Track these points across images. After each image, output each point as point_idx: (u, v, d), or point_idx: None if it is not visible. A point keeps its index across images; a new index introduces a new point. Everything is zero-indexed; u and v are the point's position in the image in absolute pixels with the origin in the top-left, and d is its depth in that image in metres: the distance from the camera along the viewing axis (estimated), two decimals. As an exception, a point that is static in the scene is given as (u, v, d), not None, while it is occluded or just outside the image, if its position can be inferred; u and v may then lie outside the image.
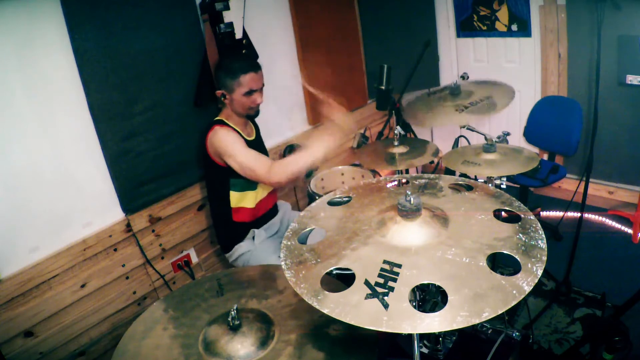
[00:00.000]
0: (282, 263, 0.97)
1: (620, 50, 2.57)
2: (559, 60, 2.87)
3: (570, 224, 2.72)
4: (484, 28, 3.12)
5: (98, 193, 1.88)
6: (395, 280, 0.85)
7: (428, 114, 2.06)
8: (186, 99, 2.06)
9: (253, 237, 2.00)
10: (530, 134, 2.94)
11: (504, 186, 1.65)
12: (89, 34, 1.70)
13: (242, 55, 2.12)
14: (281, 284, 1.19)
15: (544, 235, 0.94)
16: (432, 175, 1.26)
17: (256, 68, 1.87)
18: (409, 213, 0.98)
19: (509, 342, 1.49)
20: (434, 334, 1.44)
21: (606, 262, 2.48)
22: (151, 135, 1.96)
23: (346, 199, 1.20)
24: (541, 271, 0.84)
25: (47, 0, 1.61)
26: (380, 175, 2.31)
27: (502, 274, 0.84)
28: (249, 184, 1.93)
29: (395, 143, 2.02)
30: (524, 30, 2.94)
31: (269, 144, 2.50)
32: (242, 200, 1.97)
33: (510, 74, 3.05)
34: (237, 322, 1.00)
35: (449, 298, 0.80)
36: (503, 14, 2.99)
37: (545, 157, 2.98)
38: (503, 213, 1.08)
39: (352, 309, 0.81)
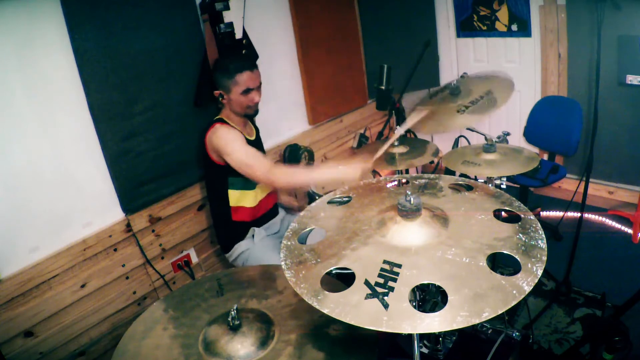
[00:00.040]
0: (282, 263, 0.97)
1: (620, 50, 2.57)
2: (559, 60, 2.87)
3: (570, 224, 2.72)
4: (484, 28, 3.12)
5: (98, 193, 1.88)
6: (395, 280, 0.85)
7: (429, 121, 2.04)
8: (186, 99, 2.06)
9: (253, 236, 2.00)
10: (530, 134, 2.94)
11: (504, 186, 1.65)
12: (89, 34, 1.70)
13: (238, 55, 2.12)
14: (281, 284, 1.19)
15: (544, 235, 0.94)
16: (432, 175, 1.26)
17: (252, 66, 1.87)
18: (409, 213, 0.98)
19: (509, 342, 1.49)
20: (434, 334, 1.44)
21: (606, 262, 2.48)
22: (151, 135, 1.96)
23: (346, 199, 1.20)
24: (541, 271, 0.84)
25: (47, 0, 1.61)
26: (380, 175, 2.31)
27: (502, 274, 0.84)
28: (248, 183, 1.93)
29: (395, 143, 2.02)
30: (524, 30, 2.94)
31: (269, 144, 2.50)
32: (241, 200, 1.97)
33: (510, 74, 3.02)
34: (237, 322, 1.00)
35: (449, 298, 0.80)
36: (503, 14, 2.99)
37: (545, 157, 2.98)
38: (503, 213, 1.08)
39: (352, 309, 0.81)
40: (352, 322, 0.78)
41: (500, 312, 0.76)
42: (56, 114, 1.71)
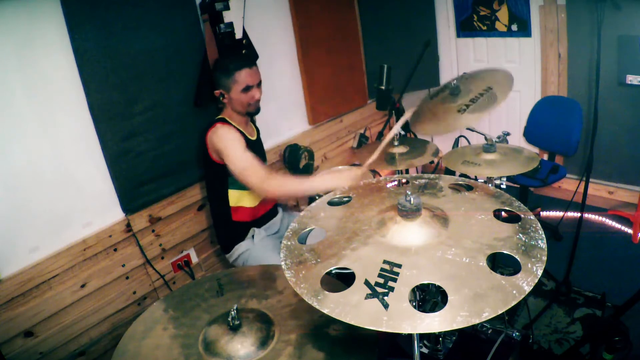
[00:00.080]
0: (282, 263, 0.97)
1: (620, 50, 2.57)
2: (559, 60, 2.87)
3: (570, 224, 2.73)
4: (484, 28, 3.12)
5: (98, 193, 1.88)
6: (395, 280, 0.85)
7: (430, 123, 2.04)
8: (186, 99, 2.06)
9: (253, 237, 2.00)
10: (530, 134, 2.94)
11: (504, 186, 1.65)
12: (89, 34, 1.70)
13: (236, 54, 2.12)
14: (281, 284, 1.19)
15: (544, 235, 0.94)
16: (432, 175, 1.26)
17: (250, 63, 1.87)
18: (409, 213, 0.98)
19: (509, 342, 1.49)
20: (434, 334, 1.44)
21: (606, 262, 2.48)
22: (151, 135, 1.96)
23: (346, 199, 1.20)
24: (541, 271, 0.84)
25: (47, 0, 1.61)
26: (380, 175, 2.31)
27: (502, 274, 0.84)
28: (247, 183, 1.93)
29: (395, 143, 2.02)
30: (524, 30, 2.94)
31: (269, 144, 2.50)
32: (241, 199, 1.96)
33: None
34: (237, 322, 1.00)
35: (449, 298, 0.80)
36: (503, 14, 2.99)
37: (545, 157, 2.98)
38: (503, 213, 1.08)
39: (352, 309, 0.81)
40: (352, 322, 0.78)
41: (500, 312, 0.76)
42: (56, 114, 1.71)
